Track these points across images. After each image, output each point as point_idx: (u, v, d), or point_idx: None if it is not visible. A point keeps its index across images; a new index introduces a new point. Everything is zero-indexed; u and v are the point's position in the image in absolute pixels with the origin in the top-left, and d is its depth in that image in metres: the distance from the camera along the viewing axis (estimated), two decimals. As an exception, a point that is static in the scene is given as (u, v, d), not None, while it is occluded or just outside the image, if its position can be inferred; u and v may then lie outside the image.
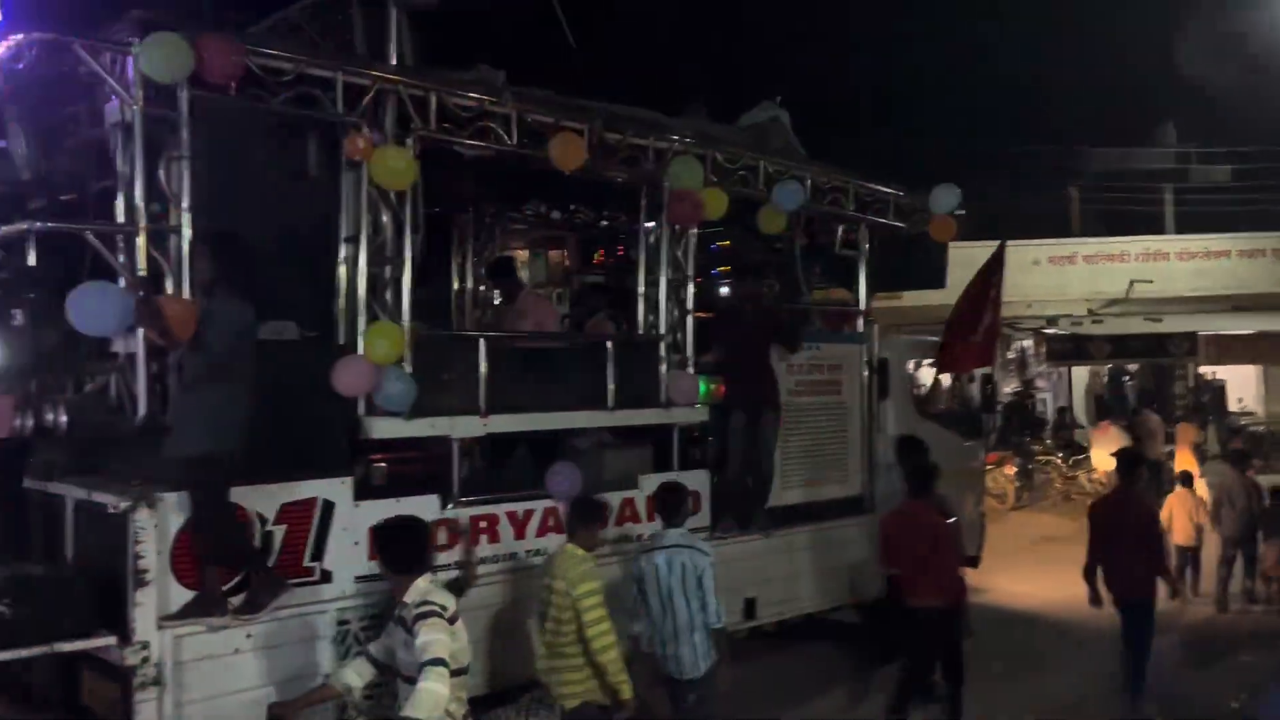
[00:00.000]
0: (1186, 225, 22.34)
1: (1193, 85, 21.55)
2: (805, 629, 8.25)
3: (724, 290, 8.65)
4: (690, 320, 7.20)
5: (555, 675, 5.41)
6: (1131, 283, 19.39)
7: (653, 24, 22.21)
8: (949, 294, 9.63)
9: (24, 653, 4.43)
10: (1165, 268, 19.88)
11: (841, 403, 8.53)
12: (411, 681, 4.07)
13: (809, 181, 7.94)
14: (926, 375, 10.11)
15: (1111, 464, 8.54)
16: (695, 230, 7.30)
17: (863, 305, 8.85)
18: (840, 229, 8.81)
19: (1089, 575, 7.13)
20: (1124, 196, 22.55)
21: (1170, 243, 20.76)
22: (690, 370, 7.17)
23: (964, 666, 6.79)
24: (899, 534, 6.76)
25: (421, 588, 4.29)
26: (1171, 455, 14.76)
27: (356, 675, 4.45)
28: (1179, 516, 10.54)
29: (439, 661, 4.02)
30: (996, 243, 9.41)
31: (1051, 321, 20.76)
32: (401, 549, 4.40)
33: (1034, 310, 19.75)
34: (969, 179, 9.37)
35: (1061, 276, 19.91)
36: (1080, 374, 23.97)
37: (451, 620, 4.20)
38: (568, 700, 5.37)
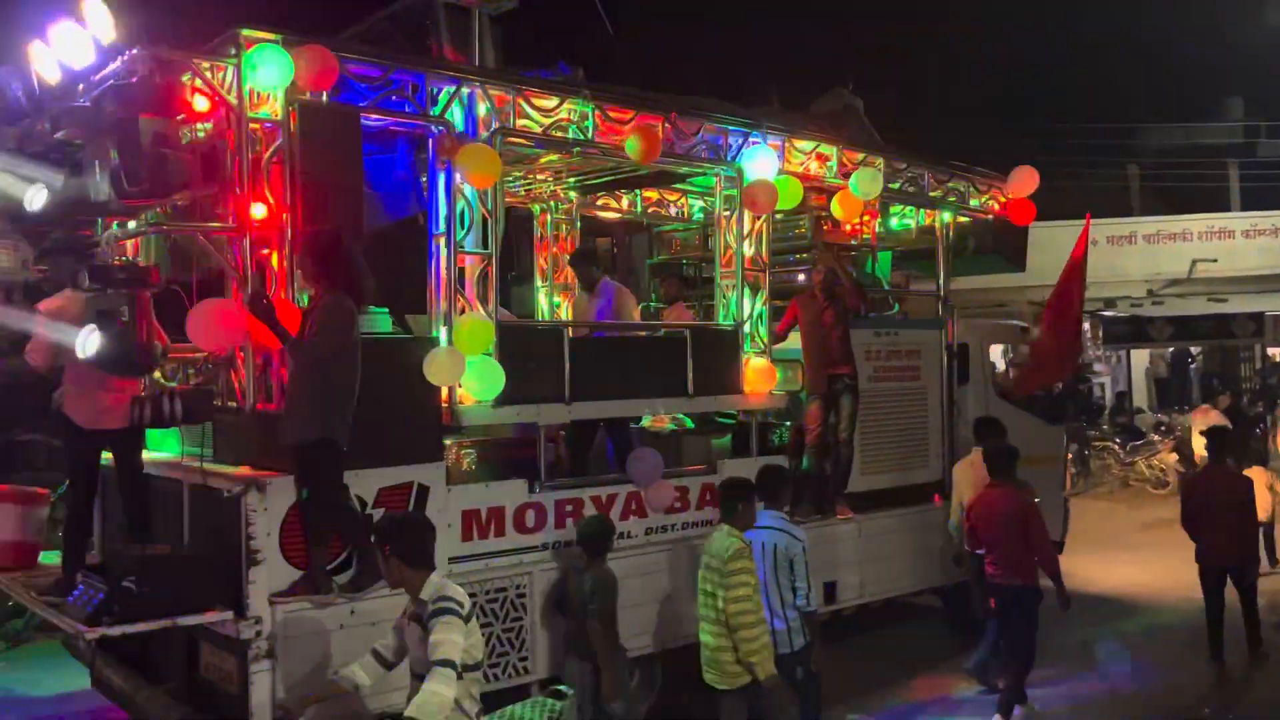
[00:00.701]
0: (1252, 202, 21.59)
1: (1260, 57, 20.65)
2: (885, 613, 8.31)
3: (800, 277, 8.71)
4: (767, 307, 7.31)
5: (722, 655, 5.48)
6: (1194, 262, 18.81)
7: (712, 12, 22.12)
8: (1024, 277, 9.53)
9: (150, 626, 4.76)
10: (1230, 246, 19.21)
11: (920, 388, 8.54)
12: (423, 679, 4.01)
13: (885, 167, 7.98)
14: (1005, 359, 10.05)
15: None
16: (771, 218, 7.40)
17: (941, 290, 8.84)
18: (918, 214, 8.81)
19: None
20: (1187, 173, 21.83)
21: (1235, 220, 20.06)
22: (768, 357, 7.28)
23: (1030, 652, 6.79)
24: (984, 515, 6.81)
25: (436, 583, 4.20)
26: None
27: (365, 674, 4.40)
28: (1259, 491, 10.38)
29: (447, 663, 3.95)
30: (1062, 223, 9.27)
31: (1109, 303, 20.09)
32: (419, 544, 4.29)
33: (1090, 292, 19.12)
34: (1025, 158, 9.24)
35: (1120, 257, 19.33)
36: (1139, 358, 23.16)
37: (467, 618, 4.11)
38: (735, 680, 5.45)
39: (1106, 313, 20.76)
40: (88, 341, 4.90)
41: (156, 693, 5.38)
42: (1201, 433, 9.13)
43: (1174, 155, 22.48)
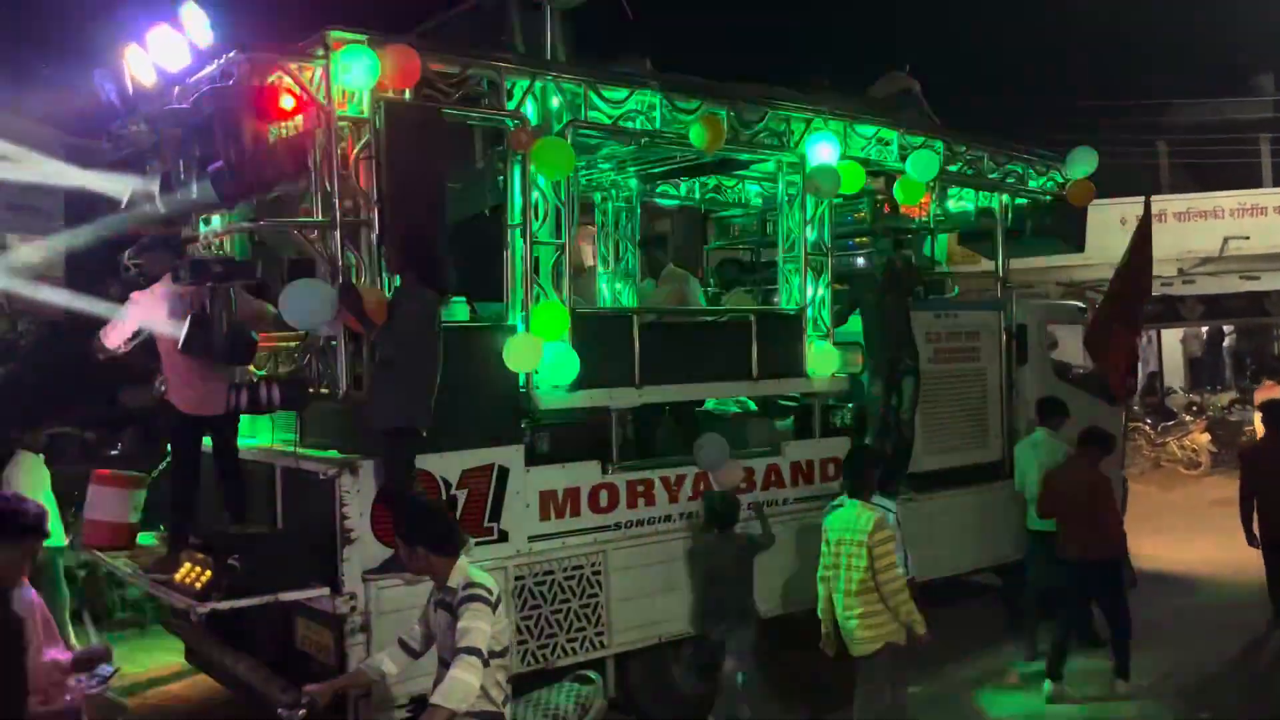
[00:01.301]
0: None
1: None
2: (946, 591, 8.42)
3: (860, 260, 8.80)
4: (829, 291, 7.42)
5: (854, 623, 5.67)
6: (1226, 240, 18.46)
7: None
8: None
9: (255, 601, 5.04)
10: (1263, 223, 18.84)
11: (980, 369, 8.61)
12: (449, 666, 3.98)
13: (944, 150, 8.04)
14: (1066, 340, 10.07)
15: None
16: (832, 202, 7.50)
17: (1000, 271, 8.89)
18: (977, 195, 8.86)
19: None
20: (1217, 150, 21.37)
21: (1268, 196, 19.68)
22: (830, 340, 7.40)
23: (1130, 617, 6.97)
24: (1058, 489, 6.96)
25: (464, 569, 4.16)
26: None
27: (391, 663, 4.35)
28: None
29: (473, 651, 3.91)
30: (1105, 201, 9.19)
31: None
32: (445, 531, 4.26)
33: (1104, 274, 18.94)
34: (1052, 135, 9.23)
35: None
36: (1170, 338, 22.80)
37: (495, 605, 4.08)
38: (869, 644, 5.64)
39: (1071, 300, 20.40)
40: (188, 334, 5.15)
41: (256, 665, 5.66)
42: (1258, 406, 9.17)
43: (1204, 132, 22.02)
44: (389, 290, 5.34)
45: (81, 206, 8.33)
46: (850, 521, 5.72)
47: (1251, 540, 7.68)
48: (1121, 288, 9.08)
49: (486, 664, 3.96)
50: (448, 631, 4.06)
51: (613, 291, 8.95)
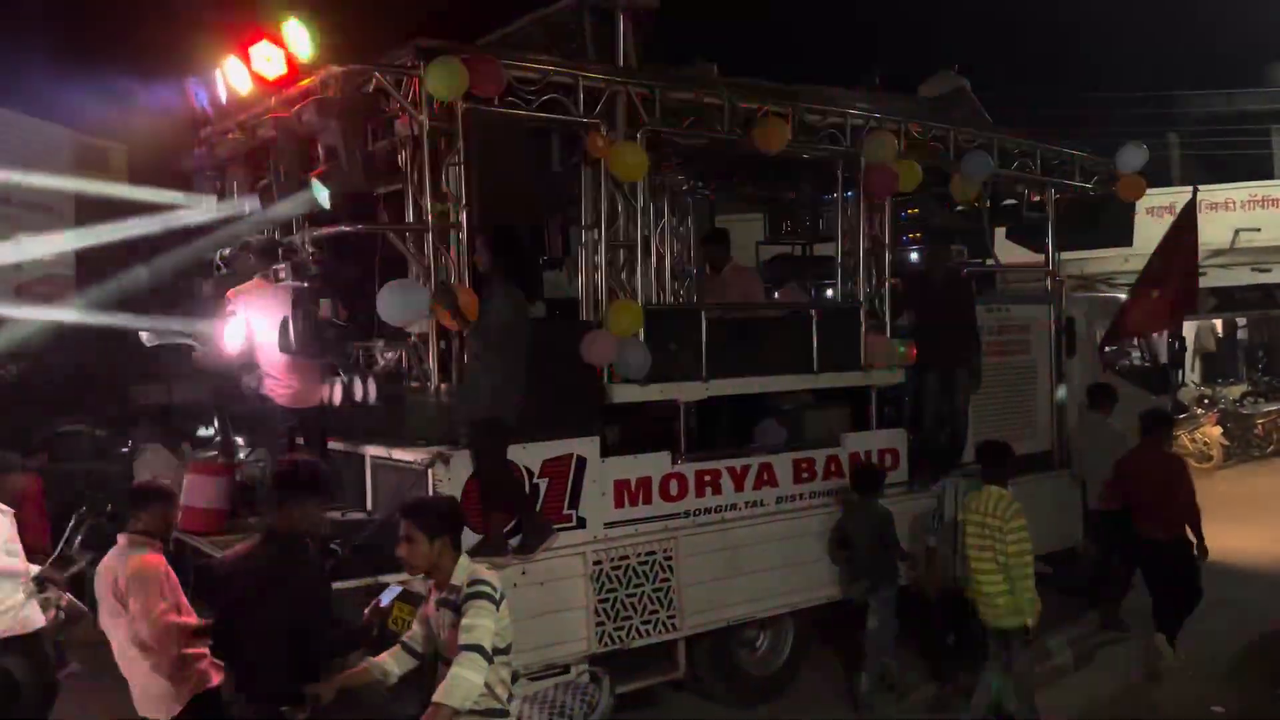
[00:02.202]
0: None
1: None
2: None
3: (914, 256, 8.99)
4: (887, 286, 7.64)
5: (991, 599, 6.05)
6: (1237, 231, 18.35)
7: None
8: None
9: (356, 583, 5.33)
10: (1274, 215, 18.66)
11: (1030, 361, 8.80)
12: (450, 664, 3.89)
13: (997, 149, 8.22)
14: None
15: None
16: (890, 200, 7.71)
17: (1050, 266, 9.06)
18: (1027, 192, 9.03)
19: None
20: (1228, 141, 21.21)
21: (1279, 188, 19.55)
22: (887, 334, 7.62)
23: (1199, 592, 7.30)
24: (1132, 472, 7.34)
25: (467, 566, 4.09)
26: None
27: (395, 663, 4.23)
28: None
29: (477, 648, 3.83)
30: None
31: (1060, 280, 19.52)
32: (461, 528, 4.19)
33: (1131, 265, 18.90)
34: (1063, 126, 9.37)
35: (1160, 228, 18.59)
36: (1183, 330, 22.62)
37: (499, 602, 4.00)
38: (1006, 619, 5.98)
39: (1105, 292, 20.46)
40: (287, 333, 5.46)
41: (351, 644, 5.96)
42: None
43: (1215, 123, 21.87)
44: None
45: (93, 208, 8.71)
46: (993, 505, 6.08)
47: None
48: (1158, 272, 9.23)
49: (490, 661, 3.87)
50: (451, 630, 3.96)
51: (671, 287, 9.19)
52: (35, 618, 5.56)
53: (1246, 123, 21.99)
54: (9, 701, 4.85)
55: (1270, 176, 20.84)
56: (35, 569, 5.62)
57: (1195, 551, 7.18)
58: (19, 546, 5.61)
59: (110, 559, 4.60)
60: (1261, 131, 22.05)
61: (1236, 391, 18.73)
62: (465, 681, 3.79)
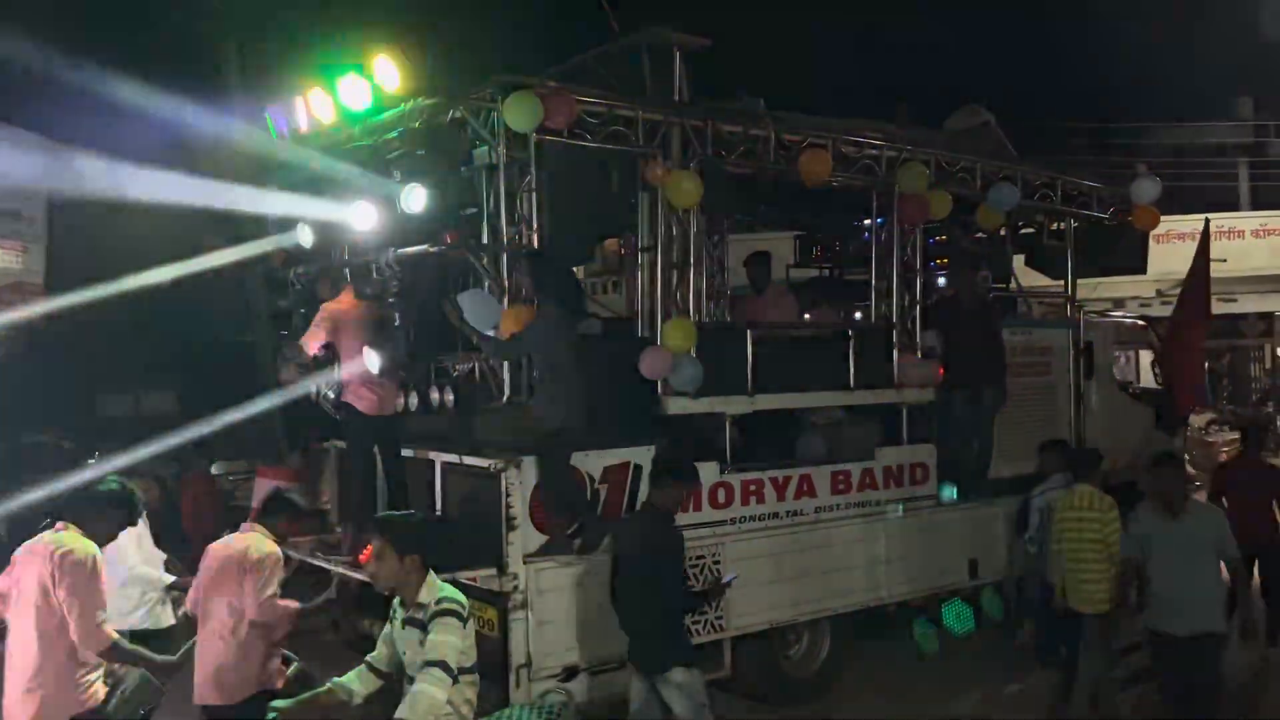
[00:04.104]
0: (1262, 201, 21.46)
1: (1270, 56, 20.47)
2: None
3: (941, 281, 9.42)
4: (918, 309, 8.06)
5: (1091, 586, 6.42)
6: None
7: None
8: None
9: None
10: (1240, 246, 19.08)
11: (1051, 383, 9.21)
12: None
13: (1021, 180, 8.67)
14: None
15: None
16: (921, 227, 8.14)
17: (1070, 291, 9.49)
18: (1046, 221, 9.47)
19: None
20: (1196, 173, 21.67)
21: (1245, 219, 19.95)
22: (918, 355, 8.03)
23: None
24: (1239, 481, 7.90)
25: (435, 584, 4.08)
26: None
27: (360, 683, 4.21)
28: None
29: (441, 664, 3.83)
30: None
31: (1118, 304, 19.93)
32: (427, 544, 4.19)
33: (1099, 293, 19.31)
34: (1034, 157, 9.80)
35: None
36: (1147, 358, 22.97)
37: (466, 620, 4.01)
38: (1100, 605, 6.38)
39: (1115, 313, 20.89)
40: (371, 351, 5.87)
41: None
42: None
43: (1183, 154, 22.36)
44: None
45: (66, 214, 8.99)
46: (1089, 500, 6.51)
47: None
48: (1183, 310, 9.68)
49: (455, 680, 3.87)
50: (417, 648, 3.95)
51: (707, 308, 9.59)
52: (166, 616, 5.92)
53: (1213, 155, 22.48)
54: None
55: (1236, 208, 21.33)
56: (171, 578, 5.94)
57: None
58: (159, 555, 5.99)
59: (223, 544, 5.07)
60: (1227, 164, 22.55)
61: (1202, 420, 19.07)
62: (427, 697, 3.78)
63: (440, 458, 6.53)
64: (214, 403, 7.79)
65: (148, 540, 5.98)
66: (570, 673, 6.11)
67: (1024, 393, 8.95)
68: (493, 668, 5.96)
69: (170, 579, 5.96)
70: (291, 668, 5.16)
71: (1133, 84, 22.92)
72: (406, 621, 4.05)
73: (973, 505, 8.32)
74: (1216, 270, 18.48)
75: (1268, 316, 20.45)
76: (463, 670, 3.93)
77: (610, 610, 6.23)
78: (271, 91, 7.14)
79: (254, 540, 5.09)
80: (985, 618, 8.24)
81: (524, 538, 5.98)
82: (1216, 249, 18.72)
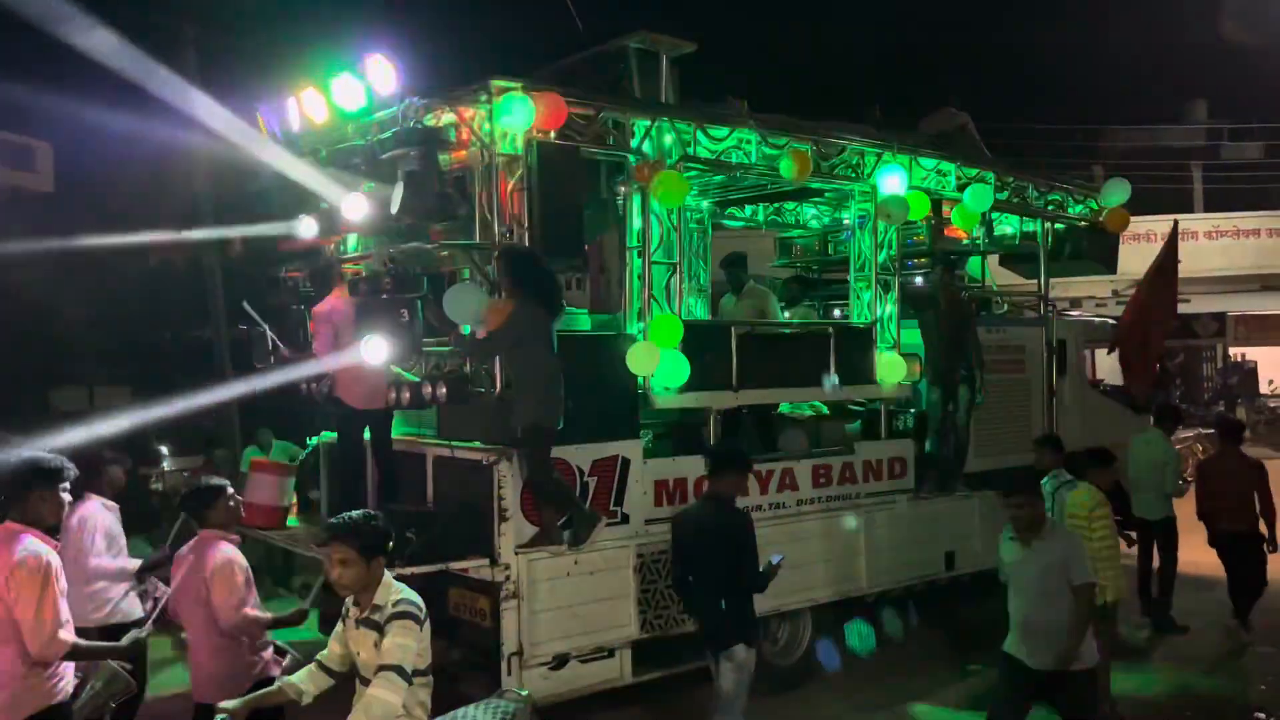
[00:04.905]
0: (1215, 204, 21.94)
1: (1224, 61, 21.03)
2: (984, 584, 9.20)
3: (918, 280, 9.64)
4: (896, 307, 8.26)
5: None
6: None
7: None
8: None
9: (429, 569, 5.85)
10: (1193, 247, 19.51)
11: (1025, 380, 9.45)
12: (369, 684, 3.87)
13: (995, 181, 8.90)
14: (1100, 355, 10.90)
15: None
16: (899, 227, 8.34)
17: (1042, 290, 9.74)
18: (1020, 220, 9.71)
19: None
20: (1151, 175, 22.18)
21: (1199, 221, 20.42)
22: (896, 351, 8.23)
23: (1265, 579, 8.28)
24: (1217, 473, 8.43)
25: (392, 585, 4.02)
26: None
27: (311, 683, 4.15)
28: None
29: (395, 669, 3.78)
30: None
31: (1075, 304, 20.25)
32: (387, 545, 4.09)
33: (1056, 292, 19.70)
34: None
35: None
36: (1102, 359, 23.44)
37: (423, 622, 3.95)
38: (1105, 593, 6.48)
39: (1072, 313, 21.26)
40: (371, 344, 5.98)
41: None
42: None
43: (1139, 157, 22.83)
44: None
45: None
46: (1082, 500, 6.72)
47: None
48: (1145, 308, 9.95)
49: (409, 682, 3.82)
50: (372, 650, 3.90)
51: (689, 306, 9.75)
52: (134, 609, 5.93)
53: (1168, 157, 22.95)
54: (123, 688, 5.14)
55: (1190, 209, 21.77)
56: (137, 563, 5.97)
57: (1265, 546, 8.15)
58: (124, 542, 5.98)
59: (191, 550, 4.95)
60: (1182, 167, 23.01)
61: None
62: (381, 702, 3.75)
63: (432, 450, 6.66)
64: (169, 397, 7.85)
65: (117, 528, 5.94)
66: (561, 661, 6.26)
67: (999, 389, 9.17)
68: (485, 656, 6.12)
69: (136, 563, 5.95)
70: (286, 659, 5.20)
71: (1090, 88, 23.38)
72: (361, 622, 3.98)
73: (950, 499, 8.54)
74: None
75: (1220, 316, 20.93)
76: (417, 672, 3.88)
77: (602, 602, 6.42)
78: (234, 83, 7.22)
79: (213, 549, 4.90)
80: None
81: (516, 528, 6.11)
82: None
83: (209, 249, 12.65)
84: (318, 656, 4.19)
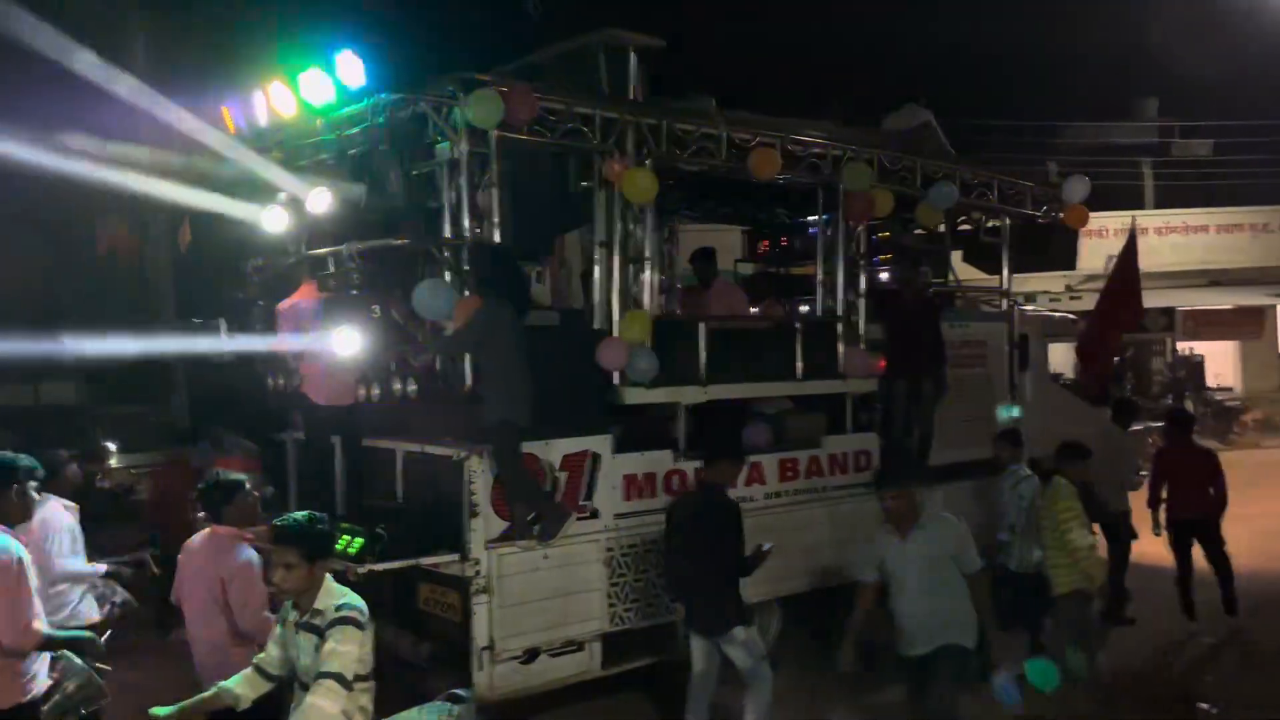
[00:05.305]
0: (1165, 200, 22.42)
1: (1176, 59, 21.45)
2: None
3: (884, 276, 9.76)
4: (862, 303, 8.36)
5: (1051, 570, 6.90)
6: (1109, 258, 19.60)
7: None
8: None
9: (402, 564, 5.87)
10: (1143, 243, 19.72)
11: (987, 374, 9.61)
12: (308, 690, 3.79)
13: (959, 179, 9.03)
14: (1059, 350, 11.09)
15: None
16: (865, 224, 8.44)
17: (1005, 286, 9.90)
18: (985, 218, 9.86)
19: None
20: (1103, 171, 22.61)
21: (1149, 218, 20.78)
22: (862, 346, 8.34)
23: (1227, 561, 8.44)
24: (1178, 465, 8.53)
25: (335, 589, 3.93)
26: None
27: (249, 687, 4.07)
28: None
29: (336, 676, 3.70)
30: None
31: (1028, 299, 20.79)
32: (332, 547, 4.03)
33: (1010, 287, 20.05)
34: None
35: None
36: (1056, 352, 23.84)
37: (365, 627, 3.87)
38: (1061, 587, 6.81)
39: (1025, 308, 21.58)
40: (343, 339, 5.97)
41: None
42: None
43: (1091, 154, 23.21)
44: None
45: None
46: (1056, 491, 6.91)
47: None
48: (1107, 303, 10.16)
49: (350, 689, 3.76)
50: (312, 654, 3.83)
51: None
52: (91, 611, 5.81)
53: (1120, 154, 23.38)
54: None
55: (1141, 206, 22.20)
56: (103, 568, 5.84)
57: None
58: (82, 543, 5.81)
59: (204, 544, 4.88)
60: (1133, 164, 23.46)
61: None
62: (320, 711, 3.68)
63: (402, 447, 6.66)
64: (115, 393, 7.71)
65: (78, 529, 5.79)
66: (532, 655, 6.30)
67: (962, 383, 9.31)
68: (455, 651, 6.14)
69: (102, 569, 5.84)
70: None
71: (1043, 85, 23.65)
72: (301, 626, 3.90)
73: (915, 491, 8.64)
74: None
75: (1169, 311, 21.32)
76: (358, 678, 3.80)
77: (571, 596, 6.47)
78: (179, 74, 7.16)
79: (239, 549, 4.82)
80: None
81: (486, 523, 6.14)
82: (1121, 245, 19.77)
83: (159, 241, 12.51)
84: (255, 660, 4.11)
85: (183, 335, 11.52)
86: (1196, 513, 8.49)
